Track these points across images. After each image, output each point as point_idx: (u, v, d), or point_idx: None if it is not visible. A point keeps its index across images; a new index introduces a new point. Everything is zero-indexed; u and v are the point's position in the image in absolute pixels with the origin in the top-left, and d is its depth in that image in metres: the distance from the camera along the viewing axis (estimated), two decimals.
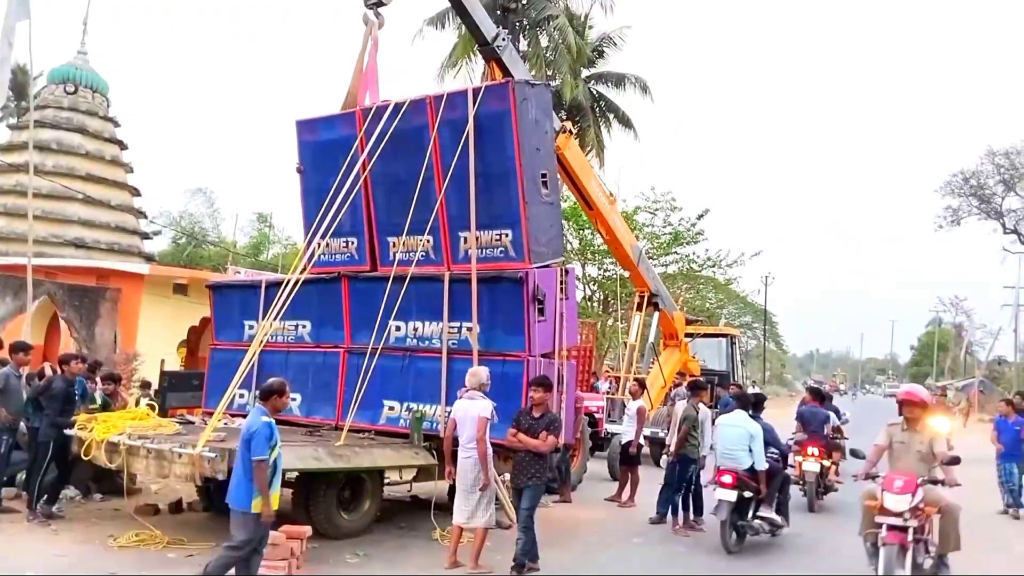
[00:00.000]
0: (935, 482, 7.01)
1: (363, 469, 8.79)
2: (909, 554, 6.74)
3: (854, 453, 8.04)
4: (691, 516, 10.31)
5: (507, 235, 9.61)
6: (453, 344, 9.51)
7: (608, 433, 14.51)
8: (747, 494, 9.00)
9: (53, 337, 18.49)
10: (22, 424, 9.44)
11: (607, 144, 28.67)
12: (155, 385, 13.58)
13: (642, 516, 10.73)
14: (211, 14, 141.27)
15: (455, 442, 7.83)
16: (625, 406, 13.34)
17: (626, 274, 17.60)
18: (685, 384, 12.65)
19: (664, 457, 11.30)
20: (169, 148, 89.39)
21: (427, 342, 9.78)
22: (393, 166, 10.08)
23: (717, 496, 8.96)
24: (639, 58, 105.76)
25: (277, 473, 6.15)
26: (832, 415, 12.99)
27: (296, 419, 10.37)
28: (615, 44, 28.72)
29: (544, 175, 9.77)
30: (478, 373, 8.09)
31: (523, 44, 25.89)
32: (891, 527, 6.79)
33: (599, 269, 29.80)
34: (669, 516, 10.30)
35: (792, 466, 11.18)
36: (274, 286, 10.21)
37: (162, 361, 15.84)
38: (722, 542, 8.96)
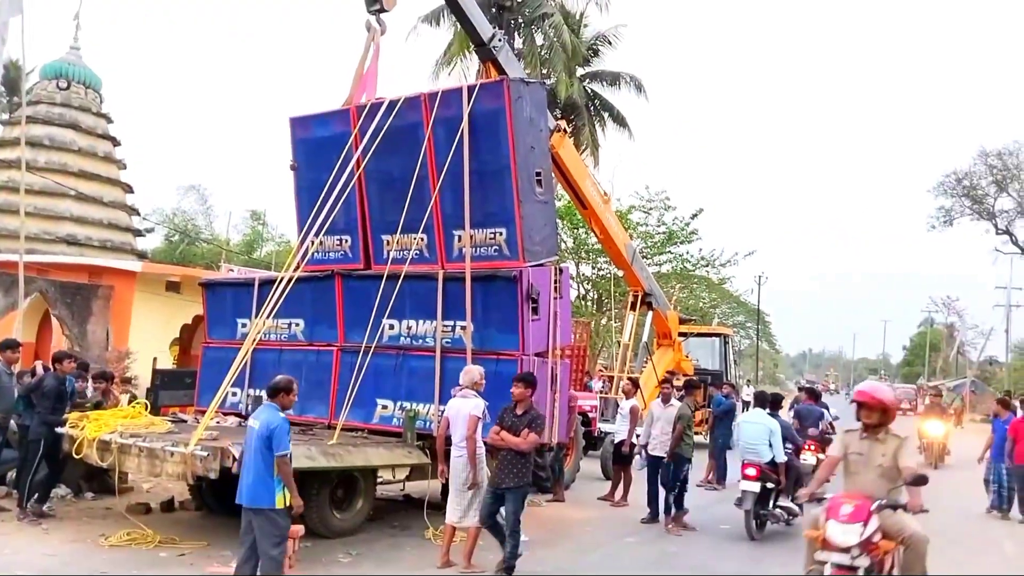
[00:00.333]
0: (896, 507, 5.50)
1: (356, 468, 8.77)
2: None
3: (801, 470, 7.15)
4: (669, 514, 10.24)
5: (501, 234, 9.60)
6: (447, 343, 9.50)
7: (601, 432, 14.53)
8: (769, 485, 9.71)
9: (45, 335, 18.41)
10: (12, 422, 9.39)
11: (602, 143, 28.72)
12: (139, 381, 13.50)
13: (635, 515, 10.75)
14: (206, 10, 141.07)
15: (448, 441, 7.84)
16: (618, 405, 13.36)
17: (620, 273, 17.62)
18: (678, 384, 12.64)
19: (637, 458, 11.28)
20: (162, 145, 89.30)
21: (421, 341, 9.76)
22: (387, 164, 10.06)
23: (742, 487, 9.64)
24: (634, 56, 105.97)
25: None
26: (826, 412, 13.13)
27: (289, 417, 10.25)
28: (610, 43, 28.72)
29: (539, 174, 9.76)
30: (471, 371, 8.11)
31: (518, 42, 25.84)
32: (836, 565, 5.31)
33: (593, 268, 29.79)
34: (662, 515, 10.30)
35: None
36: (267, 284, 10.18)
37: (154, 359, 15.78)
38: (746, 530, 9.62)
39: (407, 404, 9.61)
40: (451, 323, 9.53)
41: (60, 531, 8.36)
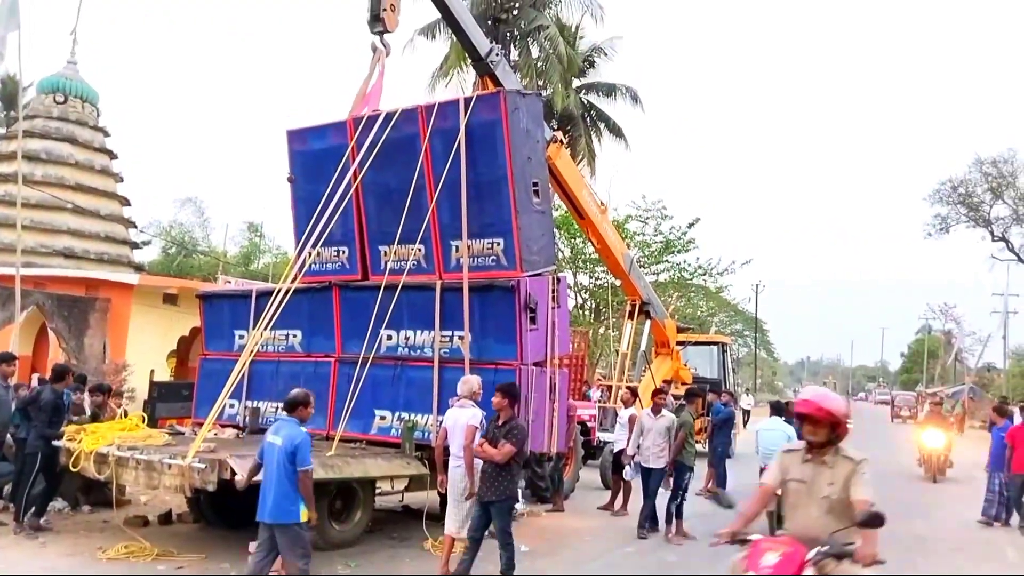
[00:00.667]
0: (842, 556, 4.01)
1: (354, 479, 8.74)
2: None
3: (719, 500, 4.90)
4: (670, 523, 10.19)
5: (499, 244, 9.62)
6: (445, 353, 9.49)
7: (600, 442, 14.49)
8: None
9: (42, 348, 18.37)
10: (9, 435, 9.36)
11: (598, 153, 28.72)
12: (137, 394, 13.47)
13: (635, 525, 10.70)
14: (203, 23, 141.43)
15: (446, 451, 7.81)
16: (617, 415, 13.34)
17: (618, 282, 17.62)
18: (677, 393, 12.65)
19: (628, 468, 11.10)
20: (160, 157, 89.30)
21: (419, 351, 9.75)
22: (384, 175, 10.07)
23: None
24: (630, 68, 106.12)
25: None
26: None
27: None
28: (606, 54, 28.75)
29: (535, 184, 9.79)
30: (469, 381, 8.10)
31: (514, 54, 25.90)
32: None
33: (591, 277, 29.78)
34: (662, 525, 10.27)
35: None
36: (265, 296, 10.19)
37: (152, 371, 15.77)
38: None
39: (405, 415, 9.58)
40: (449, 333, 9.51)
41: (57, 545, 8.31)
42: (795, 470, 4.41)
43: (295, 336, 10.81)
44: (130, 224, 25.39)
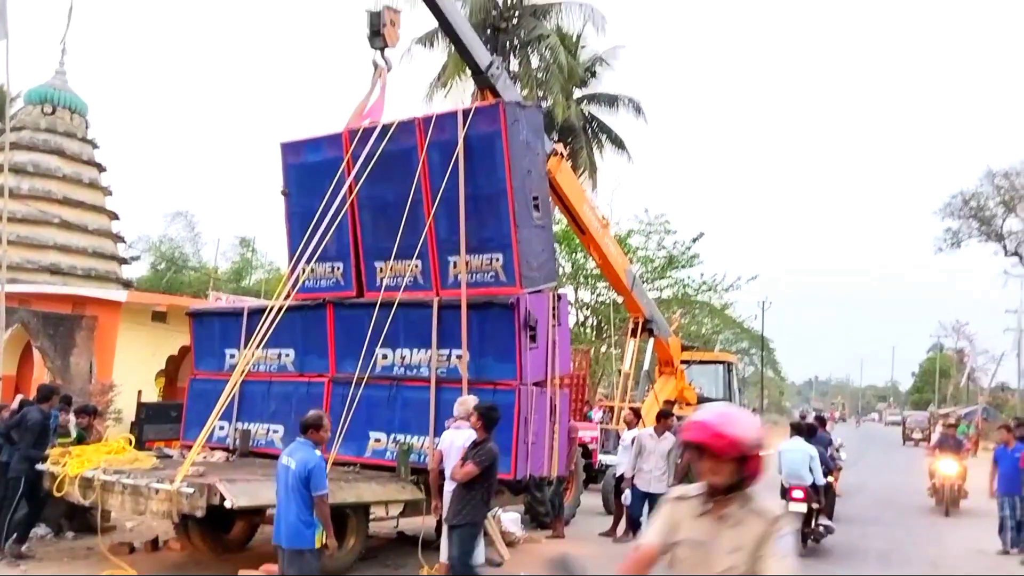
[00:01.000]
0: None
1: (347, 504, 8.44)
2: None
3: (565, 567, 3.80)
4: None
5: (498, 259, 9.41)
6: (442, 373, 9.27)
7: (603, 465, 14.21)
8: (814, 506, 10.79)
9: (26, 367, 18.00)
10: None
11: (600, 165, 28.46)
12: (124, 415, 13.17)
13: None
14: (195, 35, 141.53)
15: (442, 475, 7.57)
16: (620, 436, 13.06)
17: (620, 299, 17.39)
18: (684, 414, 12.37)
19: (627, 493, 10.79)
20: (150, 170, 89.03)
21: (415, 371, 9.53)
22: (381, 189, 9.88)
23: (790, 509, 10.33)
24: (633, 78, 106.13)
25: None
26: (833, 438, 13.19)
27: (279, 451, 10.00)
28: (608, 64, 28.48)
29: (536, 198, 9.60)
30: (466, 402, 7.89)
31: (514, 64, 25.72)
32: None
33: (592, 293, 29.43)
34: None
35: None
36: (257, 313, 9.97)
37: (139, 392, 15.47)
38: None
39: (401, 437, 9.34)
40: (446, 352, 9.30)
41: (40, 572, 8.09)
42: (686, 527, 2.96)
43: (288, 355, 10.56)
44: (119, 239, 25.11)
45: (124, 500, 7.84)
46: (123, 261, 25.49)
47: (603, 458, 14.35)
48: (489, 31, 25.03)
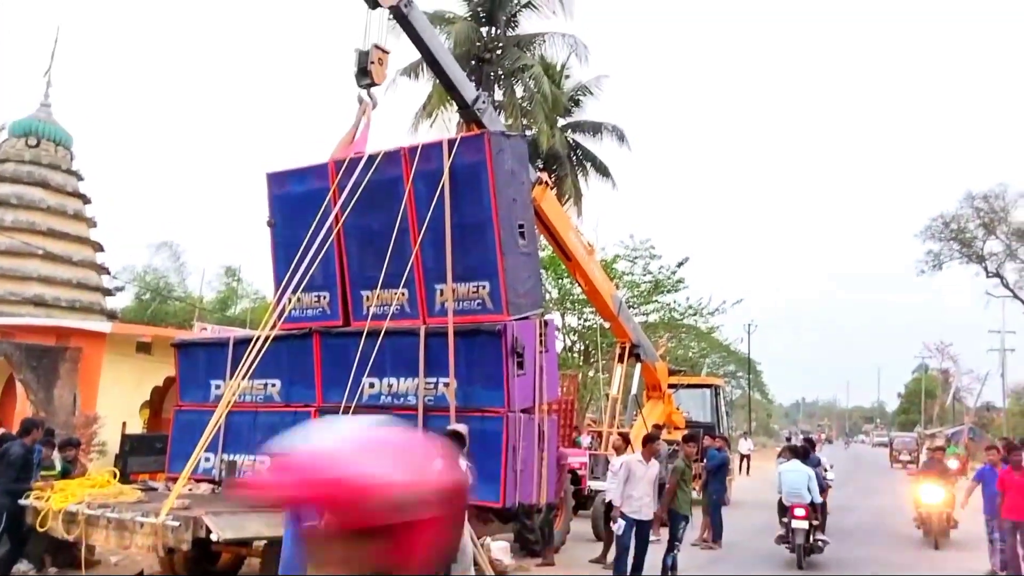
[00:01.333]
0: None
1: None
2: None
3: None
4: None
5: (484, 287, 9.41)
6: (429, 401, 9.22)
7: (591, 490, 14.12)
8: (814, 523, 11.68)
9: (8, 400, 17.77)
10: None
11: (585, 192, 28.59)
12: (108, 447, 13.01)
13: None
14: (180, 65, 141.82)
15: None
16: (609, 462, 13.00)
17: (607, 324, 17.43)
18: (672, 439, 12.41)
19: (618, 522, 9.93)
20: (135, 201, 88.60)
21: (402, 399, 9.48)
22: (367, 218, 9.88)
23: (793, 526, 11.51)
24: (616, 107, 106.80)
25: None
26: (821, 459, 13.38)
27: None
28: (591, 93, 28.68)
29: (521, 226, 9.63)
30: (458, 431, 7.82)
31: (498, 94, 25.85)
32: None
33: (579, 319, 29.49)
34: None
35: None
36: (242, 343, 9.88)
37: (124, 424, 15.29)
38: (797, 562, 11.53)
39: None
40: (434, 380, 9.26)
41: None
42: None
43: (274, 385, 10.48)
44: (103, 270, 24.96)
45: (109, 534, 7.74)
46: (107, 292, 25.31)
47: (592, 484, 14.27)
48: (473, 62, 25.19)
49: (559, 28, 26.23)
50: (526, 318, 9.37)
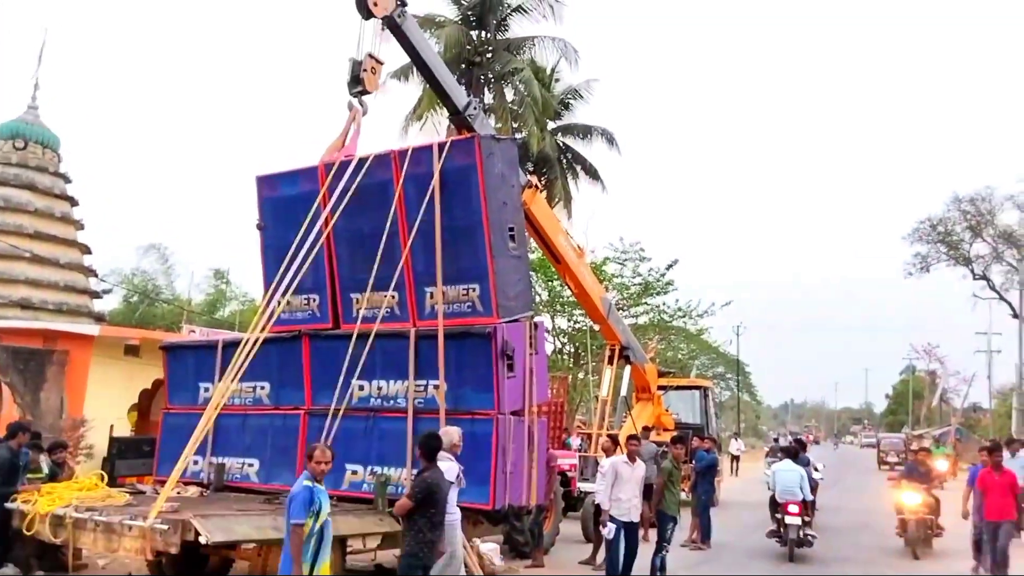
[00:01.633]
0: None
1: None
2: None
3: None
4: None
5: (474, 290, 9.45)
6: (419, 403, 9.25)
7: (581, 492, 14.15)
8: (806, 519, 12.51)
9: None
10: None
11: (575, 195, 28.69)
12: (96, 450, 12.95)
13: None
14: (167, 68, 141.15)
15: None
16: (598, 463, 13.02)
17: (597, 326, 17.48)
18: (661, 440, 12.48)
19: (608, 526, 9.88)
20: (123, 203, 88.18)
21: (392, 402, 9.49)
22: (357, 221, 9.91)
23: (787, 521, 12.35)
24: (606, 110, 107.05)
25: (325, 541, 6.14)
26: (810, 459, 13.70)
27: (254, 486, 9.96)
28: (581, 96, 28.77)
29: (511, 229, 9.68)
30: (449, 433, 7.88)
31: (488, 97, 25.88)
32: None
33: (569, 321, 29.54)
34: None
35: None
36: (231, 346, 9.87)
37: (111, 427, 15.21)
38: (789, 555, 12.39)
39: (378, 469, 9.27)
40: (424, 383, 9.29)
41: None
42: None
43: (263, 388, 10.47)
44: (91, 273, 24.83)
45: (96, 538, 7.68)
46: (95, 295, 25.17)
47: (582, 485, 14.31)
48: (463, 65, 25.23)
49: (549, 32, 26.33)
50: (516, 321, 9.41)
